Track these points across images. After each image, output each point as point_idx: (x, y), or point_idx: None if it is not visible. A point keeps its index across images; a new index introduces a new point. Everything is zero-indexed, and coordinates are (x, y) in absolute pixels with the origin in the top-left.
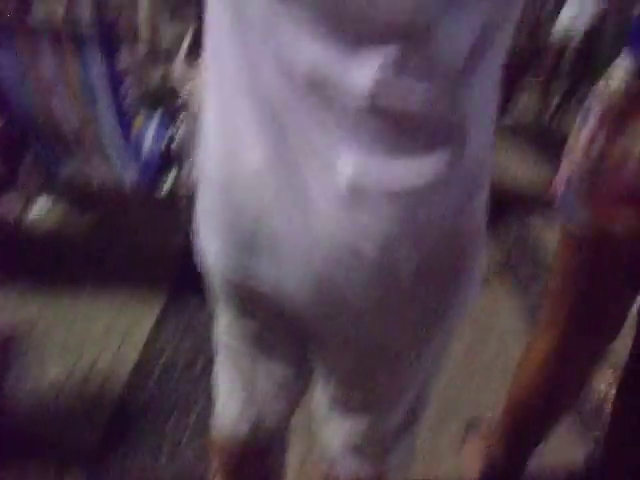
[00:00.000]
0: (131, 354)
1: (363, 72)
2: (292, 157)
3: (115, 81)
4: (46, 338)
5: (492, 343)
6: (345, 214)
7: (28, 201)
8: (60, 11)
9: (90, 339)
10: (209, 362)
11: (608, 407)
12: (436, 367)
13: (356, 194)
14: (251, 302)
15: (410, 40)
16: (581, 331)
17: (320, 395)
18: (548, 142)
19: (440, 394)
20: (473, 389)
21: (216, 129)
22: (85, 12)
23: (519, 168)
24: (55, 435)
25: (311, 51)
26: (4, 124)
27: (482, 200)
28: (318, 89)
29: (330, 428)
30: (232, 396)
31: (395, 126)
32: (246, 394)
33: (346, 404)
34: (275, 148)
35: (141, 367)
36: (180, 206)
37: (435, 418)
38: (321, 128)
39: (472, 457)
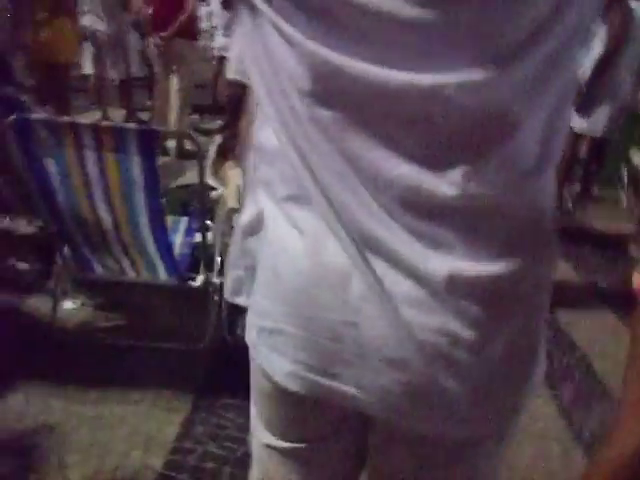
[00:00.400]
0: (155, 461)
1: (448, 182)
2: (374, 262)
3: (153, 179)
4: (69, 441)
5: (528, 448)
6: (434, 312)
7: (59, 300)
8: (98, 114)
9: (114, 444)
10: (237, 469)
11: None
12: (502, 458)
13: (444, 293)
14: (315, 419)
15: (491, 145)
16: None
17: None
18: (573, 234)
19: None
20: None
21: (288, 234)
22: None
23: None
24: None
25: (395, 166)
26: (43, 224)
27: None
28: (403, 201)
29: None
30: None
31: (481, 226)
32: None
33: None
34: (357, 252)
35: (165, 476)
36: (210, 306)
37: None
38: (405, 234)
39: None
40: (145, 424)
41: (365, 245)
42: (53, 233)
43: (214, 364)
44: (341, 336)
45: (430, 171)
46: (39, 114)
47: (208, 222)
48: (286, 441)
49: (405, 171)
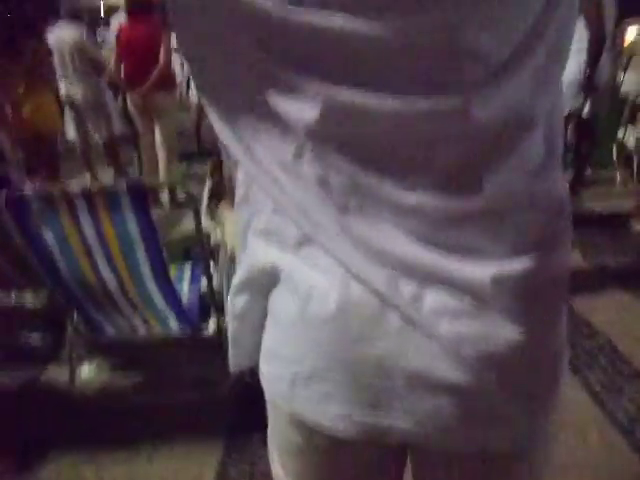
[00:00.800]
0: None
1: (474, 195)
2: (407, 286)
3: (151, 232)
4: None
5: (567, 436)
6: (480, 320)
7: (76, 366)
8: (87, 177)
9: None
10: None
11: None
12: (549, 462)
13: (488, 297)
14: (354, 463)
15: (511, 149)
16: None
17: None
18: (574, 220)
19: None
20: None
21: (311, 278)
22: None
23: None
24: None
25: (418, 195)
26: (49, 294)
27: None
28: (430, 222)
29: None
30: None
31: (510, 225)
32: None
33: None
34: (387, 281)
35: None
36: (226, 350)
37: None
38: (436, 251)
39: None
40: (179, 478)
41: (395, 271)
42: (60, 301)
43: (239, 407)
44: (388, 370)
45: (455, 189)
46: (30, 187)
47: (212, 266)
48: None
49: (428, 198)
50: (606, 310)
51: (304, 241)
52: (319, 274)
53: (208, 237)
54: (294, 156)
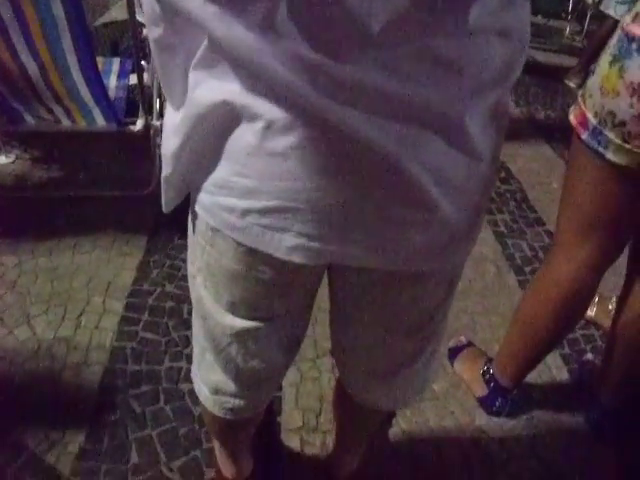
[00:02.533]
0: (116, 305)
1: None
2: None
3: (78, 15)
4: (29, 294)
5: (467, 269)
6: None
7: None
8: None
9: (74, 293)
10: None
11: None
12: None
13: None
14: (291, 292)
15: None
16: (612, 248)
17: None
18: None
19: None
20: (450, 313)
21: (270, 110)
22: None
23: None
24: (49, 392)
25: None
26: None
27: None
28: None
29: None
30: (226, 375)
31: (484, 50)
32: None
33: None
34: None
35: (127, 317)
36: (153, 150)
37: None
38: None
39: (471, 375)
40: (101, 271)
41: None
42: None
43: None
44: (352, 202)
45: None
46: None
47: (142, 62)
48: (252, 319)
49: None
50: (525, 159)
51: (257, 74)
52: (280, 106)
53: (141, 30)
54: None
